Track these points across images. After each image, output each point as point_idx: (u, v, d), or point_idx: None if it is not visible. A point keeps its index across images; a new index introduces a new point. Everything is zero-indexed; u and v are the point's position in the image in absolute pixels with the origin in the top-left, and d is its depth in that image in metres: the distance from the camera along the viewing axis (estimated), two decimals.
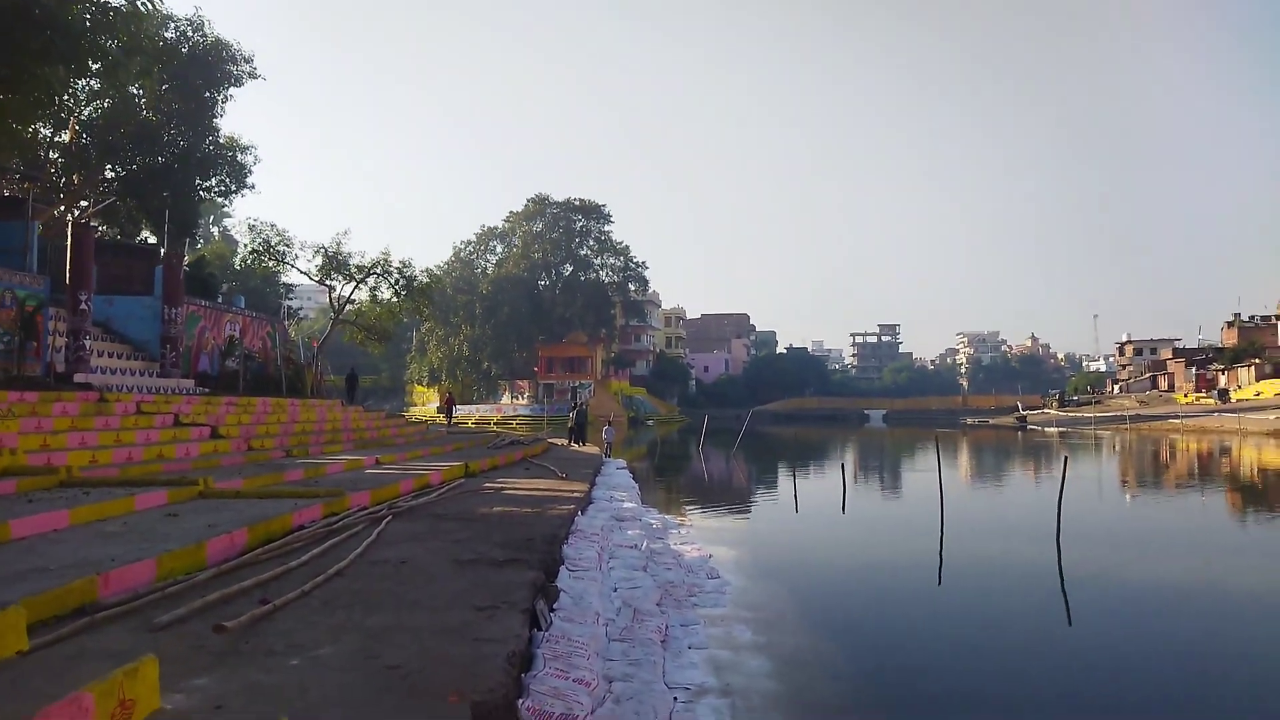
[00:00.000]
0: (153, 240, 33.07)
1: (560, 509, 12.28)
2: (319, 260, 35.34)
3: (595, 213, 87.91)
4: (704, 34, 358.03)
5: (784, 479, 28.31)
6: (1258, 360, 77.33)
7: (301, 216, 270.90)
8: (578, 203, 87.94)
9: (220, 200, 36.28)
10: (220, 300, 29.84)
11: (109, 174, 30.98)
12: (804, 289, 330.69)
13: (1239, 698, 6.60)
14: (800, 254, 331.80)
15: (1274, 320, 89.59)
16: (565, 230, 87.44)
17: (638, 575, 9.16)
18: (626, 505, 14.88)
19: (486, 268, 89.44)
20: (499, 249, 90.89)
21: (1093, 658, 7.78)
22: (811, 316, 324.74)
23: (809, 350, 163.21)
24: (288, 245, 35.03)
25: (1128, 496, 22.41)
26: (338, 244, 35.36)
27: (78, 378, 18.75)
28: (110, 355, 22.93)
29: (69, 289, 19.37)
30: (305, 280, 39.27)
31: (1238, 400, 64.80)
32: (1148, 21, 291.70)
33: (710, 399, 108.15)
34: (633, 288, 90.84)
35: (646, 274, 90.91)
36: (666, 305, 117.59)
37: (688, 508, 18.33)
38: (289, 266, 36.12)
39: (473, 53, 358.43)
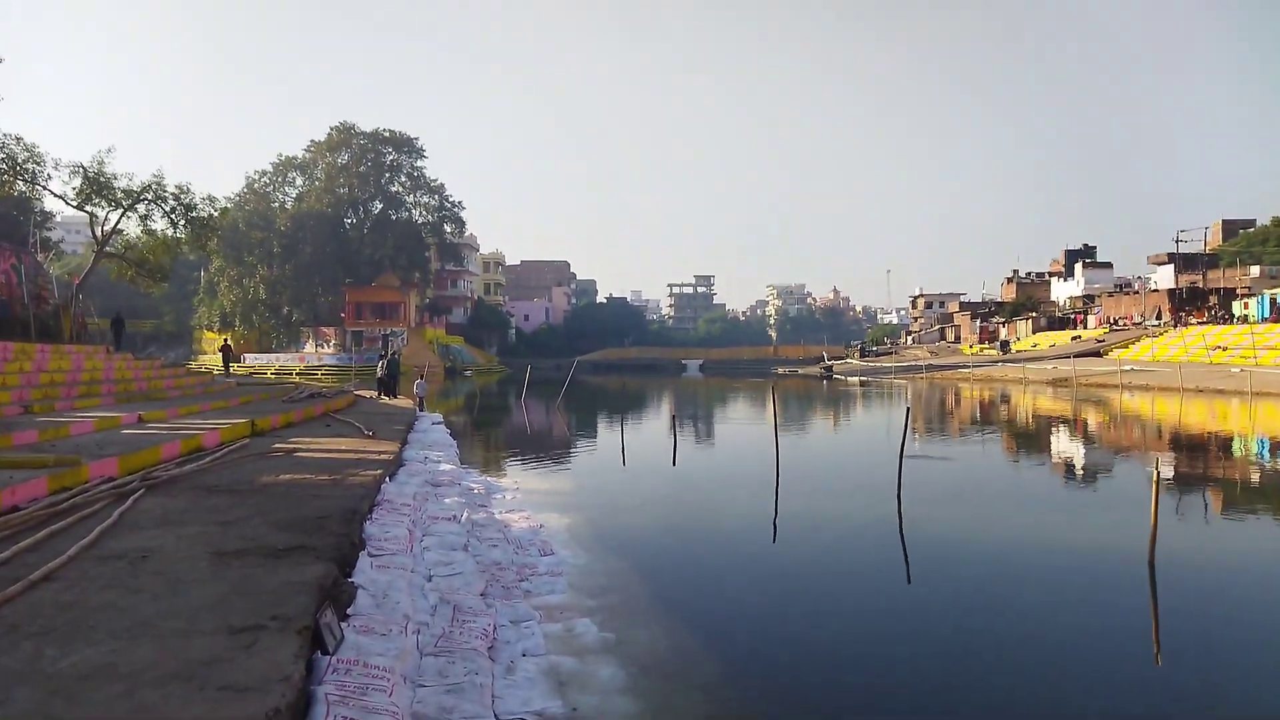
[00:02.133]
0: None
1: (364, 475, 10.50)
2: (77, 182, 30.33)
3: (407, 146, 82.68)
4: None
5: (609, 431, 27.39)
6: (1034, 314, 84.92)
7: (56, 134, 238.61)
8: (387, 134, 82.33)
9: None
10: None
11: None
12: (623, 239, 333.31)
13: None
14: (620, 203, 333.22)
15: (1048, 277, 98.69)
16: (374, 164, 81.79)
17: (457, 557, 7.67)
18: (443, 468, 13.24)
19: (285, 202, 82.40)
20: (299, 181, 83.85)
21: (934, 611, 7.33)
22: (631, 266, 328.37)
23: (628, 300, 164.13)
24: (38, 163, 29.84)
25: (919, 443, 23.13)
26: (100, 163, 30.46)
27: None
28: None
29: None
30: (67, 210, 33.78)
31: (1017, 351, 70.67)
32: None
33: (530, 348, 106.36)
34: (449, 229, 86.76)
35: (463, 215, 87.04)
36: (485, 250, 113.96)
37: (512, 467, 16.89)
38: (40, 188, 30.85)
39: None
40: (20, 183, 30.60)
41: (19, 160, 29.57)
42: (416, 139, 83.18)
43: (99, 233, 32.59)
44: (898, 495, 12.18)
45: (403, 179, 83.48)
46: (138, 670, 3.91)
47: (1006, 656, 6.42)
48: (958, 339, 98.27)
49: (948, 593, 8.13)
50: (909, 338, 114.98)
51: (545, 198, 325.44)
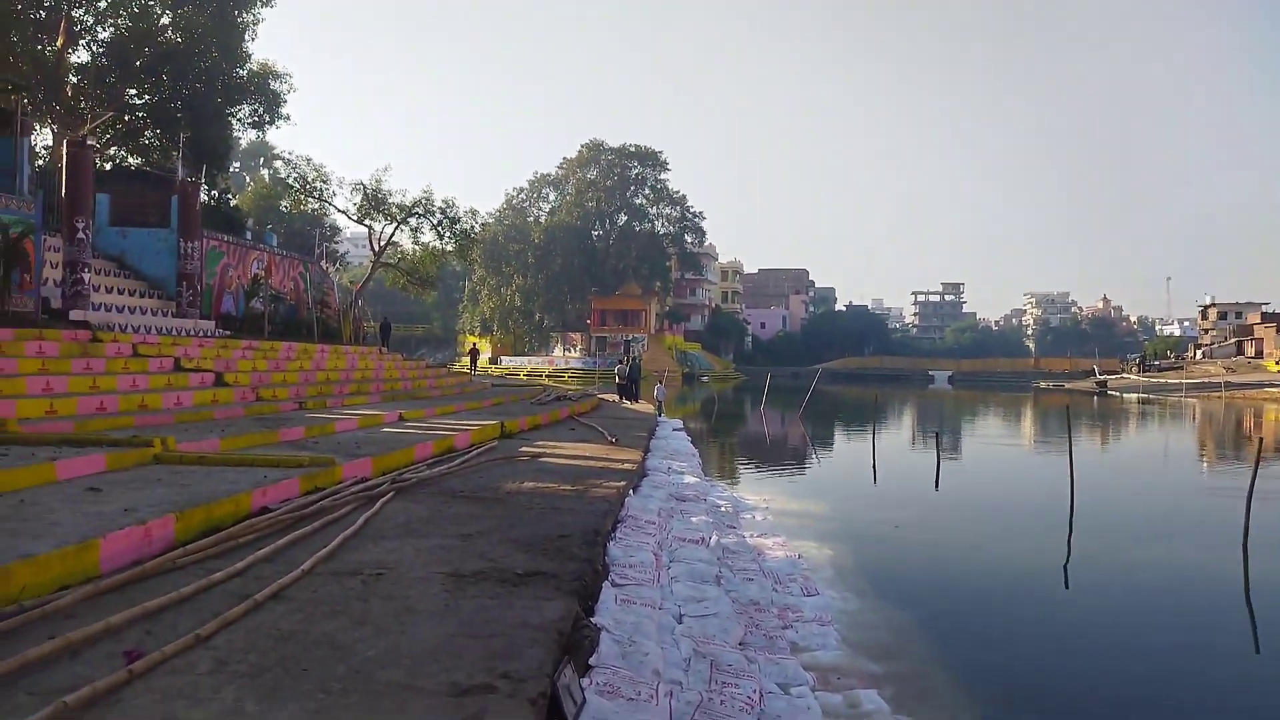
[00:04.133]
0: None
1: (607, 486, 9.77)
2: (358, 198, 33.11)
3: (651, 159, 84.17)
4: None
5: (853, 443, 25.58)
6: None
7: (338, 155, 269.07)
8: (633, 149, 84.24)
9: (253, 131, 34.01)
10: (249, 237, 27.79)
11: (135, 101, 29.02)
12: (864, 246, 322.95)
13: None
14: (860, 211, 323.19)
15: None
16: (620, 178, 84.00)
17: (709, 592, 6.60)
18: (688, 480, 12.33)
19: (539, 216, 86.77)
20: (552, 197, 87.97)
21: None
22: (871, 274, 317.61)
23: (869, 308, 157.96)
24: (325, 181, 32.89)
25: None
26: (377, 181, 33.10)
27: (74, 314, 16.74)
28: (122, 293, 20.93)
29: (65, 215, 17.31)
30: (353, 226, 37.15)
31: None
32: None
33: (766, 356, 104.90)
34: (689, 239, 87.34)
35: (704, 225, 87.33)
36: (723, 259, 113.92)
37: (756, 480, 15.76)
38: (327, 205, 33.98)
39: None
40: (311, 200, 33.87)
41: (309, 180, 32.71)
42: (660, 152, 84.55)
43: (375, 244, 35.41)
44: (1244, 545, 9.72)
45: (646, 191, 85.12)
46: None
47: None
48: (1259, 354, 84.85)
49: None
50: (1198, 351, 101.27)
51: (784, 206, 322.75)
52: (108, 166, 27.27)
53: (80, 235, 17.28)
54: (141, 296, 21.33)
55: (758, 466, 19.01)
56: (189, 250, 21.40)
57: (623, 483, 10.12)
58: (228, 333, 21.81)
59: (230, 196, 33.02)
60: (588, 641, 4.96)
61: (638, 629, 5.16)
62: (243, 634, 4.35)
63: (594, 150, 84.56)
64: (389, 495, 8.44)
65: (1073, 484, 12.58)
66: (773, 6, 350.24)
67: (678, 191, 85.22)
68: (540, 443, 14.11)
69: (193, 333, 20.04)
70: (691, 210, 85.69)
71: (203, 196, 25.91)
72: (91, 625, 4.26)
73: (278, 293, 26.21)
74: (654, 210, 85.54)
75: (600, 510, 8.31)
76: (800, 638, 6.12)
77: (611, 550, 7.11)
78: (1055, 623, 7.47)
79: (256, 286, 24.81)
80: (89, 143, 19.99)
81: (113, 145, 29.56)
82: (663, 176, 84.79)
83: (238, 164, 60.81)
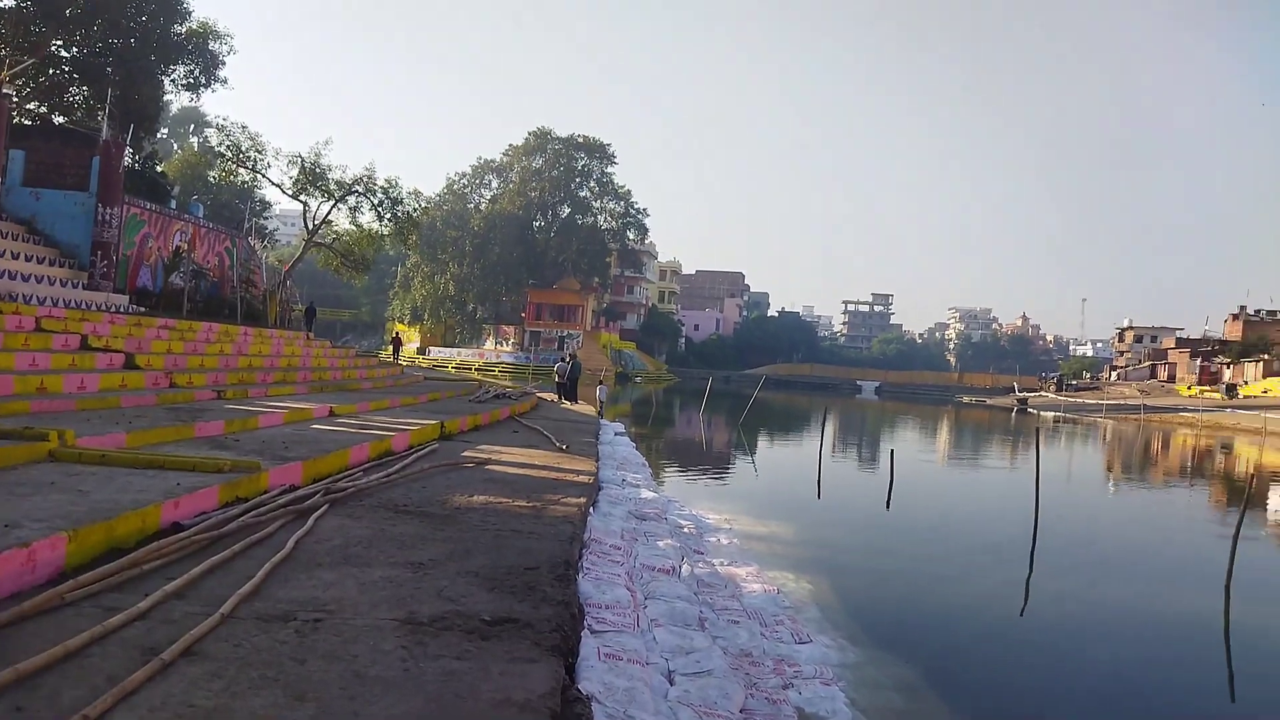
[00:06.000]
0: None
1: (566, 502, 8.92)
2: (294, 172, 31.34)
3: (599, 152, 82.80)
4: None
5: (794, 454, 25.24)
6: (1266, 356, 74.68)
7: (276, 128, 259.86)
8: (581, 140, 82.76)
9: (186, 94, 31.79)
10: (173, 206, 25.92)
11: (62, 54, 26.85)
12: (798, 253, 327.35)
13: None
14: (796, 218, 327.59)
15: None
16: (566, 169, 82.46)
17: (697, 641, 5.81)
18: (645, 495, 11.54)
19: (480, 203, 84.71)
20: (495, 184, 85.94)
21: None
22: (804, 281, 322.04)
23: (800, 315, 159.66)
24: (260, 151, 31.04)
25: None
26: (316, 155, 31.38)
27: None
28: (30, 259, 19.06)
29: None
30: (285, 201, 35.26)
31: (1245, 396, 62.23)
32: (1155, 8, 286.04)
33: (699, 358, 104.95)
34: (631, 235, 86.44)
35: (646, 223, 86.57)
36: (662, 258, 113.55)
37: (708, 494, 15.06)
38: (260, 175, 32.11)
39: None
40: (243, 170, 31.95)
41: (243, 148, 30.83)
42: (609, 145, 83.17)
43: (310, 222, 33.65)
44: (1226, 587, 9.42)
45: (592, 184, 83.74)
46: None
47: None
48: (1172, 378, 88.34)
49: None
50: (1113, 373, 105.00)
51: (723, 208, 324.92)
52: (26, 122, 25.10)
53: None
54: (51, 265, 19.49)
55: (708, 478, 18.40)
56: (107, 217, 19.69)
57: (582, 499, 9.27)
58: (143, 309, 20.17)
59: (157, 163, 30.89)
60: (575, 714, 4.13)
61: (631, 698, 4.35)
62: (145, 712, 3.38)
63: (541, 138, 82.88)
64: (323, 509, 7.45)
65: (1037, 514, 12.22)
66: (719, 14, 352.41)
67: (623, 186, 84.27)
68: (484, 446, 13.14)
69: (104, 307, 18.38)
70: (636, 206, 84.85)
71: (127, 160, 24.04)
72: None
73: (200, 268, 24.49)
74: (598, 204, 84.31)
75: (565, 534, 7.46)
76: (805, 700, 5.39)
77: (582, 585, 6.28)
78: (1073, 667, 6.93)
79: (178, 260, 23.07)
80: (5, 92, 18.17)
81: (33, 100, 27.30)
82: (609, 170, 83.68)
83: (165, 130, 57.53)
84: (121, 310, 18.93)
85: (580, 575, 6.46)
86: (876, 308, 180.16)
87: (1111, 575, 10.98)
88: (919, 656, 6.71)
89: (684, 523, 10.47)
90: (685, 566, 8.03)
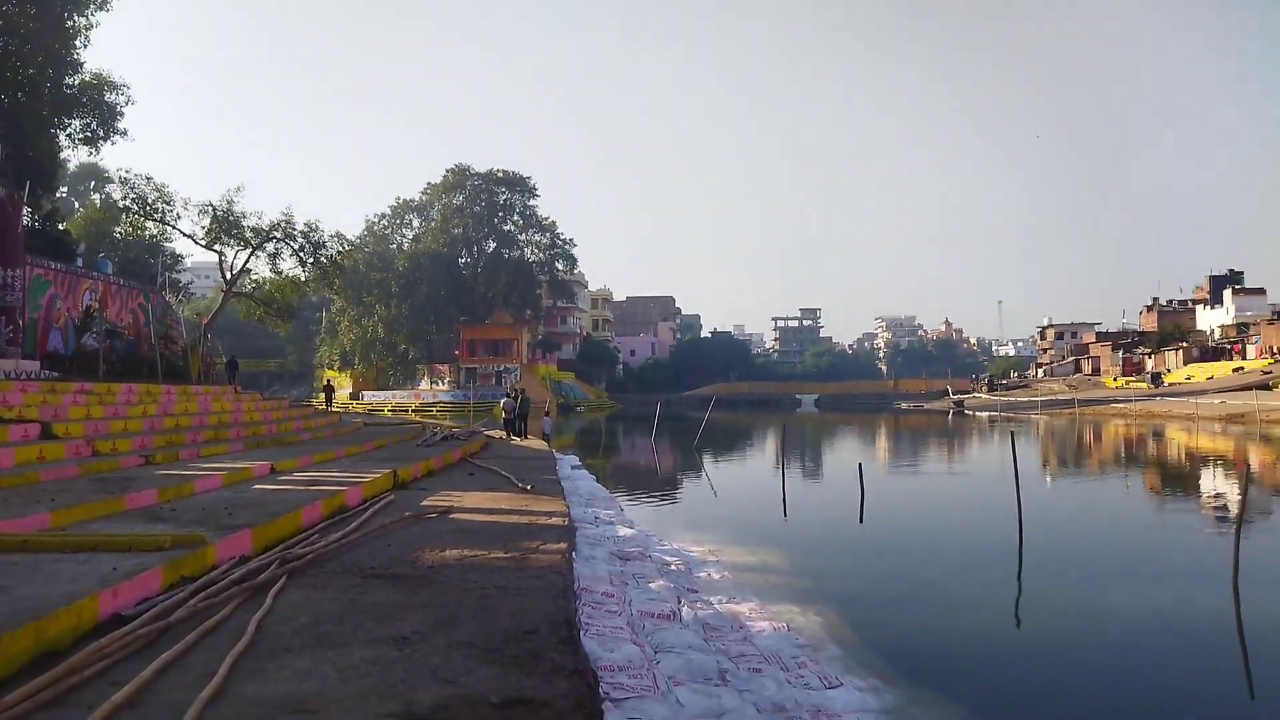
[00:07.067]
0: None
1: (546, 549, 8.26)
2: (206, 221, 29.95)
3: (520, 185, 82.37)
4: (632, 9, 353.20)
5: (747, 472, 24.94)
6: (1185, 344, 77.79)
7: (183, 177, 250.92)
8: (500, 174, 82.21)
9: (85, 148, 30.14)
10: (79, 265, 24.41)
11: None
12: (726, 273, 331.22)
13: None
14: (723, 237, 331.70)
15: (1191, 305, 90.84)
16: (488, 204, 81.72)
17: (726, 700, 5.21)
18: (621, 533, 10.92)
19: (403, 243, 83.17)
20: (416, 223, 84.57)
21: None
22: (733, 300, 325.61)
23: (732, 334, 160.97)
24: (168, 202, 29.58)
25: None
26: (229, 202, 30.05)
27: None
28: None
29: None
30: (199, 253, 33.71)
31: (1170, 384, 64.54)
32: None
33: (637, 383, 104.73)
34: (560, 266, 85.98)
35: (574, 252, 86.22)
36: (593, 287, 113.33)
37: (682, 523, 14.48)
38: (169, 227, 30.61)
39: (384, 9, 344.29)
40: (150, 223, 30.42)
41: (149, 200, 29.36)
42: (529, 178, 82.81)
43: (227, 272, 32.21)
44: (1234, 583, 9.23)
45: (515, 218, 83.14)
46: None
47: None
48: (1096, 371, 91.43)
49: None
50: (1039, 370, 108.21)
51: (650, 233, 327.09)
52: None
53: None
54: None
55: (671, 504, 17.88)
56: (10, 279, 18.32)
57: (562, 544, 8.62)
58: (56, 374, 18.80)
59: (59, 221, 29.19)
60: None
61: None
62: None
63: (460, 175, 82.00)
64: (281, 581, 6.66)
65: (1021, 523, 12.02)
66: (638, 31, 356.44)
67: (547, 218, 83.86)
68: (444, 493, 12.37)
69: (14, 375, 17.02)
70: (562, 237, 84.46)
71: (25, 219, 22.56)
72: None
73: (114, 326, 23.03)
74: (524, 237, 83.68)
75: (555, 586, 6.80)
76: None
77: (587, 644, 5.65)
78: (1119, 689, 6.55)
79: (90, 320, 21.63)
80: None
81: None
82: (532, 203, 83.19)
83: (65, 189, 54.82)
84: (33, 377, 17.60)
85: (584, 635, 5.82)
86: (806, 322, 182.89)
87: (1112, 575, 10.74)
88: (961, 692, 6.22)
89: (669, 559, 9.86)
90: (685, 609, 7.44)
